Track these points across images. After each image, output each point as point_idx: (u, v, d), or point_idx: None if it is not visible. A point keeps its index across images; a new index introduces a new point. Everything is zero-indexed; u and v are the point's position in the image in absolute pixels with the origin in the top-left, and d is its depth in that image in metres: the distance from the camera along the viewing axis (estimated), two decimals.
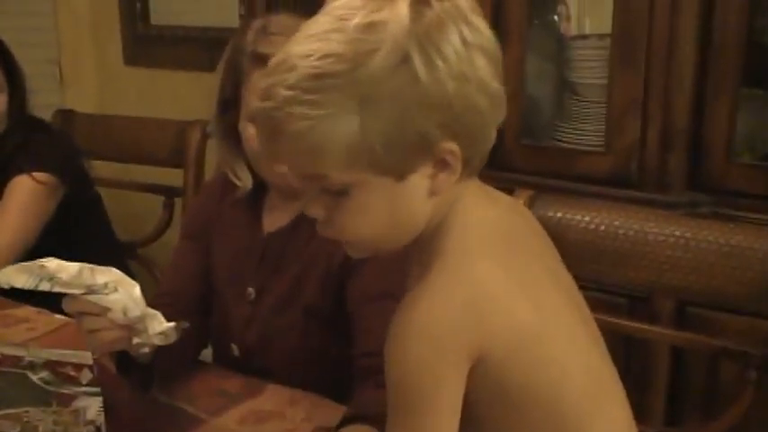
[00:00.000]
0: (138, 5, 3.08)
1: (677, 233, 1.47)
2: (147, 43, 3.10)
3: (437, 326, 0.82)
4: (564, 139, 2.08)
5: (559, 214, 1.53)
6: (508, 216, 0.93)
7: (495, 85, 0.83)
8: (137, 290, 1.19)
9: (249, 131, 1.36)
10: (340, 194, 0.83)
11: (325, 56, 0.78)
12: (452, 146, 0.81)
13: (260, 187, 1.46)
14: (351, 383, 1.29)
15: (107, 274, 1.17)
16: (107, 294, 1.16)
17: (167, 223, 2.35)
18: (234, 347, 1.47)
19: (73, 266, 1.15)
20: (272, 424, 1.29)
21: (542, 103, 2.20)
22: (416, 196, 0.84)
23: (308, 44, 0.79)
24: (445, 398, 0.83)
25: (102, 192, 2.23)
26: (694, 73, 1.80)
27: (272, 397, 1.36)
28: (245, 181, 1.45)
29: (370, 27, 0.78)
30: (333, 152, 0.79)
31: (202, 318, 1.48)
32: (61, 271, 1.14)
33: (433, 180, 0.83)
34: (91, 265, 1.17)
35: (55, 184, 1.94)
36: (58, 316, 1.64)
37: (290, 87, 0.79)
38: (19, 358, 1.34)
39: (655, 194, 1.86)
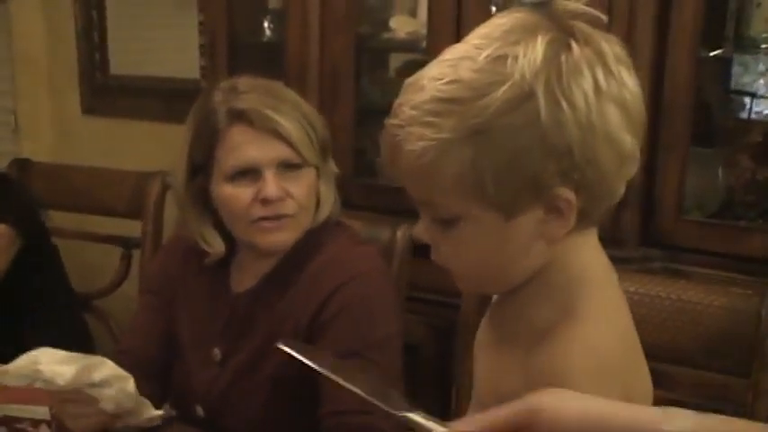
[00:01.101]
0: (98, 55, 3.08)
1: (631, 289, 1.50)
2: (105, 93, 3.09)
3: (600, 358, 0.81)
4: None
5: None
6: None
7: (627, 139, 0.81)
8: (131, 383, 1.20)
9: (228, 192, 1.35)
10: (449, 224, 0.83)
11: (453, 81, 0.79)
12: (569, 194, 0.80)
13: (228, 248, 1.45)
14: None
15: (102, 370, 1.18)
16: (101, 389, 1.17)
17: (124, 275, 2.33)
18: (198, 408, 1.44)
19: (68, 370, 1.15)
20: None
21: None
22: (524, 239, 0.82)
23: (441, 68, 0.81)
24: None
25: (58, 242, 2.21)
26: (646, 131, 1.85)
27: None
28: (216, 247, 1.43)
29: (499, 60, 0.78)
30: (442, 178, 0.79)
31: (163, 377, 1.47)
32: (57, 376, 1.14)
33: (544, 226, 0.82)
34: (84, 362, 1.17)
35: (11, 235, 1.93)
36: None
37: (415, 107, 0.80)
38: None
39: (608, 250, 1.89)
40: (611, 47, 0.81)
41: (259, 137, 1.33)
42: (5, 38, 3.13)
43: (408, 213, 1.95)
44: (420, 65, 2.62)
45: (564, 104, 0.77)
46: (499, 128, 0.77)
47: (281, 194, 1.34)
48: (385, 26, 2.25)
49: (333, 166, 1.47)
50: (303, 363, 1.00)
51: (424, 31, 2.09)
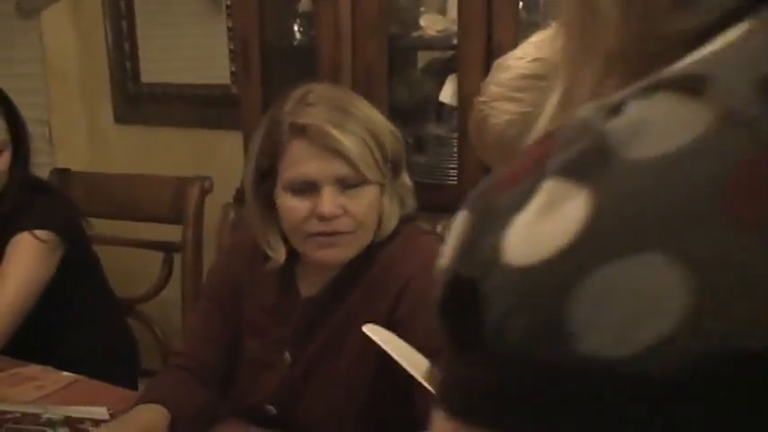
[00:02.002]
0: (129, 64, 3.12)
1: None
2: (137, 102, 3.13)
3: None
4: None
5: None
6: None
7: None
8: None
9: (287, 203, 1.35)
10: None
11: (536, 59, 0.82)
12: None
13: (294, 252, 1.43)
14: None
15: None
16: None
17: (166, 280, 2.36)
18: (270, 408, 1.44)
19: None
20: None
21: None
22: None
23: (526, 48, 0.85)
24: None
25: (98, 249, 2.24)
26: None
27: None
28: (278, 254, 1.42)
29: None
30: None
31: (220, 382, 1.48)
32: None
33: None
34: None
35: (56, 241, 1.94)
36: (65, 373, 1.65)
37: (500, 84, 0.84)
38: (37, 416, 1.35)
39: None
40: None
41: (318, 153, 1.31)
42: (38, 52, 3.18)
43: (445, 209, 1.97)
44: (444, 62, 2.62)
45: None
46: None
47: (338, 211, 1.32)
48: (415, 25, 2.25)
49: (406, 180, 1.44)
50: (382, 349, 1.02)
51: (454, 28, 2.09)
